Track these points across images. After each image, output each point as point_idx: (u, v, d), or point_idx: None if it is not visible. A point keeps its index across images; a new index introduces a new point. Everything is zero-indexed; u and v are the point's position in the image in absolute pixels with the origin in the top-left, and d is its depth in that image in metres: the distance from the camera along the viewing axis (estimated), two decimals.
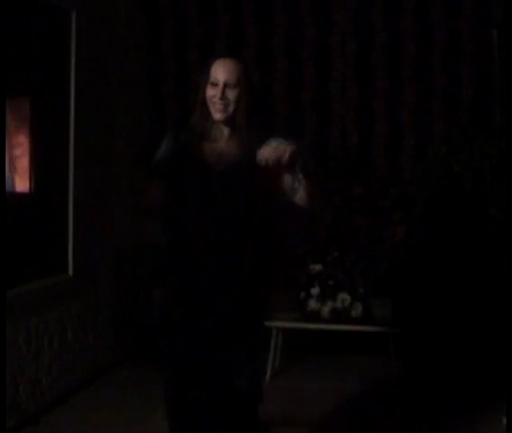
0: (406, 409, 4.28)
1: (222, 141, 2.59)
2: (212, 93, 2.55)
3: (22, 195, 4.12)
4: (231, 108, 2.54)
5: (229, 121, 2.57)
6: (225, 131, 2.59)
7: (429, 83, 5.56)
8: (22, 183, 4.14)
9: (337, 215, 5.43)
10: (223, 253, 2.50)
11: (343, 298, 5.03)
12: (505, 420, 3.66)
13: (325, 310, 5.02)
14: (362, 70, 5.66)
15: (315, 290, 5.06)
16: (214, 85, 2.55)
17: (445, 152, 4.90)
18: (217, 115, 2.55)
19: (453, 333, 4.87)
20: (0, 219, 3.27)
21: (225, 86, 2.53)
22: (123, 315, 5.18)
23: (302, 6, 5.75)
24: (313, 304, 5.05)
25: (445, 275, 5.19)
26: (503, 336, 4.37)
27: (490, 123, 5.20)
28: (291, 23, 5.76)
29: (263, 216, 2.53)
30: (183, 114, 5.91)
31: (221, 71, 2.56)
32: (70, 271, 4.53)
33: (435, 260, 5.21)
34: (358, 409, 4.33)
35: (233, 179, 2.52)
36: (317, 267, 5.13)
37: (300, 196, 2.45)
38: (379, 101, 5.64)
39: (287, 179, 2.46)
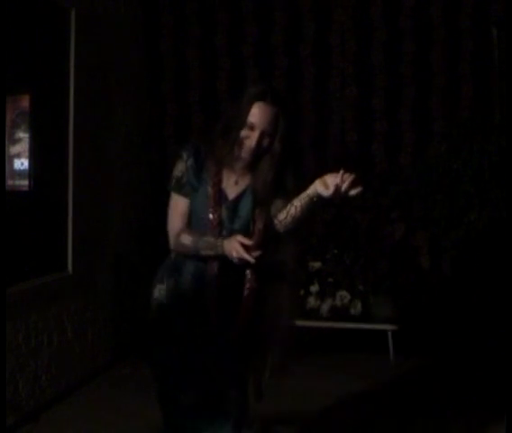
0: (405, 407, 4.28)
1: (238, 169, 2.54)
2: (246, 135, 2.46)
3: (21, 193, 4.12)
4: (260, 152, 2.48)
5: (253, 159, 2.52)
6: (245, 162, 2.52)
7: (429, 81, 5.56)
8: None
9: (336, 212, 5.43)
10: (225, 271, 2.50)
11: (343, 295, 5.03)
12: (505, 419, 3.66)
13: (325, 308, 5.03)
14: (362, 68, 5.67)
15: (314, 288, 5.07)
16: (251, 128, 2.45)
17: (445, 150, 4.90)
18: (245, 155, 2.48)
19: (453, 330, 4.88)
20: (0, 217, 3.27)
21: (262, 133, 2.44)
22: (122, 313, 5.18)
23: (301, 4, 5.75)
24: (312, 301, 5.05)
25: (444, 272, 5.21)
26: (502, 332, 4.39)
27: (490, 121, 5.20)
28: (290, 20, 5.76)
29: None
30: (182, 112, 5.94)
31: (261, 118, 2.44)
32: (70, 269, 4.53)
33: (434, 257, 5.22)
34: (357, 406, 4.33)
35: (242, 208, 2.53)
36: (316, 264, 5.14)
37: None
38: (379, 99, 5.65)
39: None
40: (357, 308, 4.99)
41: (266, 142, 2.46)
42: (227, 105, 2.63)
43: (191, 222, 2.58)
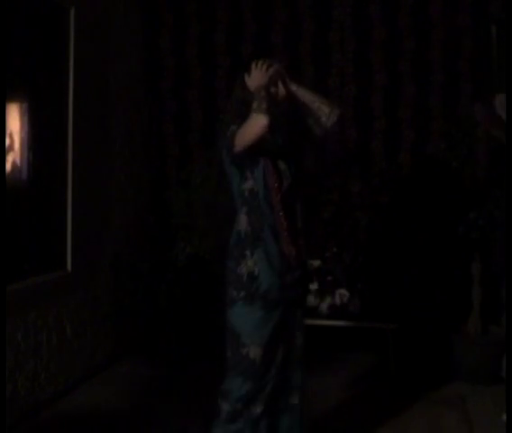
0: (404, 405, 4.28)
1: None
2: (274, 91, 3.02)
3: (20, 191, 4.12)
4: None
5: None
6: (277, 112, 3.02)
7: (428, 79, 5.56)
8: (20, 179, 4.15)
9: (336, 211, 5.43)
10: (290, 215, 2.98)
11: (342, 293, 5.04)
12: (505, 416, 3.66)
13: (324, 306, 5.03)
14: (361, 66, 5.66)
15: (313, 286, 5.07)
16: (275, 84, 3.03)
17: (444, 149, 4.90)
18: (278, 108, 3.01)
19: (450, 327, 4.88)
20: (0, 216, 3.28)
21: (284, 83, 3.06)
22: (121, 311, 5.18)
23: (301, 2, 5.75)
24: (311, 300, 5.05)
25: (443, 271, 5.21)
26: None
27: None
28: (290, 18, 5.76)
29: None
30: (182, 110, 5.94)
31: (276, 72, 3.02)
32: (69, 267, 4.53)
33: (434, 256, 5.22)
34: (356, 404, 4.33)
35: (288, 155, 3.05)
36: (316, 263, 5.14)
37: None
38: (378, 97, 5.64)
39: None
40: (356, 306, 4.99)
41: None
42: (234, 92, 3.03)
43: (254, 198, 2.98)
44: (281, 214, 2.94)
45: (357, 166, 5.56)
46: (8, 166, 3.95)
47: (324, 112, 3.08)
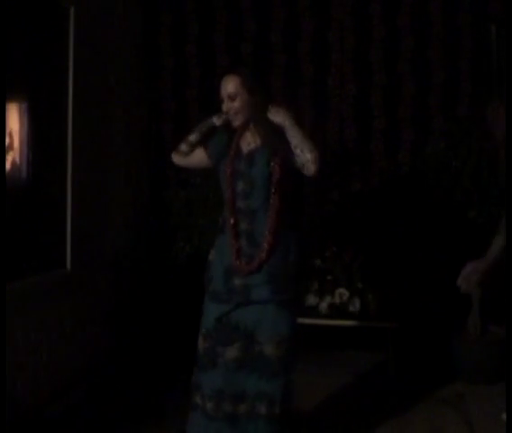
0: (403, 404, 4.28)
1: (248, 132, 3.17)
2: (223, 107, 3.14)
3: (20, 190, 4.12)
4: (241, 115, 3.10)
5: (246, 123, 3.13)
6: (237, 124, 3.14)
7: (427, 78, 5.56)
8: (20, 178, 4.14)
9: (336, 210, 5.43)
10: (248, 219, 3.06)
11: (341, 293, 5.03)
12: (505, 416, 3.66)
13: (323, 305, 5.03)
14: (361, 65, 5.67)
15: (313, 285, 5.06)
16: (222, 101, 3.13)
17: (443, 148, 4.90)
18: (235, 123, 3.13)
19: (450, 327, 4.88)
20: (0, 215, 3.27)
21: (228, 99, 3.10)
22: (121, 310, 5.18)
23: (300, 1, 5.75)
24: (311, 299, 5.05)
25: (444, 271, 5.20)
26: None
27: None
28: (289, 17, 5.76)
29: (284, 187, 3.07)
30: (181, 109, 5.94)
31: (222, 89, 3.12)
32: (68, 266, 4.52)
33: (434, 255, 5.22)
34: (355, 404, 4.33)
35: (255, 159, 3.08)
36: (316, 262, 5.13)
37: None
38: (378, 96, 5.65)
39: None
40: (356, 305, 4.98)
41: (237, 104, 3.09)
42: None
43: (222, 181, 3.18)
44: (229, 212, 3.07)
45: (357, 166, 5.56)
46: (8, 165, 3.94)
47: (305, 159, 3.03)
